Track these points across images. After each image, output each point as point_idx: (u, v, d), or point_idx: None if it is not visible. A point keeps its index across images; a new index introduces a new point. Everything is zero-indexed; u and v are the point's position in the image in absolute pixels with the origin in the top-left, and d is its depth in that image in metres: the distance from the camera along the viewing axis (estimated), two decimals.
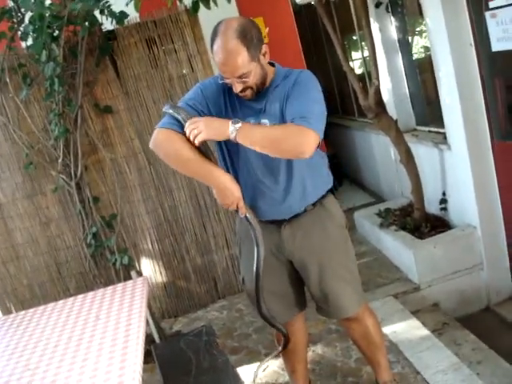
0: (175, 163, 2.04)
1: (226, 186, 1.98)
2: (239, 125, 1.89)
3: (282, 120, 2.00)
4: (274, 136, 1.91)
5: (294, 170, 2.11)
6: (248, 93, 2.02)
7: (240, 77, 1.95)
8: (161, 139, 2.00)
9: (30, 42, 3.41)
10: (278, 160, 2.06)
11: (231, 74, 1.95)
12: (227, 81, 1.99)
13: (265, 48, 2.01)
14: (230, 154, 2.16)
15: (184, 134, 1.94)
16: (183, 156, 1.95)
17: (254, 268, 2.10)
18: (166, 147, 2.00)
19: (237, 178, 2.09)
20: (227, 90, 2.09)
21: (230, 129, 1.88)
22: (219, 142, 2.13)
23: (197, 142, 1.91)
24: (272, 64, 2.13)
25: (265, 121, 2.04)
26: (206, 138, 1.91)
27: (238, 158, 2.14)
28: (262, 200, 2.15)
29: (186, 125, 1.92)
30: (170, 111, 1.98)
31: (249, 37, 1.92)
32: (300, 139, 1.87)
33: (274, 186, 2.13)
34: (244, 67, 1.93)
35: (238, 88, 1.99)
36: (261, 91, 2.05)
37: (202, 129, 1.90)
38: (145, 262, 4.15)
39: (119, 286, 2.65)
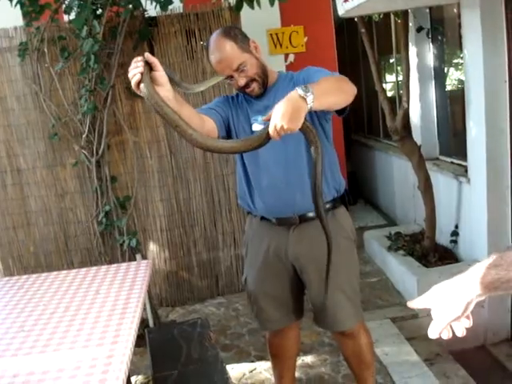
0: None
1: None
2: (309, 90, 1.60)
3: None
4: (333, 85, 1.82)
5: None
6: (255, 86, 2.09)
7: (238, 69, 2.03)
8: None
9: (72, 16, 3.46)
10: (300, 156, 2.11)
11: (229, 67, 2.02)
12: (231, 80, 2.07)
13: (253, 43, 2.10)
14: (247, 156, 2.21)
15: None
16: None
17: None
18: None
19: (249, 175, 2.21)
20: (235, 98, 2.22)
21: (308, 100, 1.60)
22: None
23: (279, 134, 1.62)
24: None
25: None
26: (291, 129, 1.60)
27: (256, 157, 2.16)
28: (274, 193, 2.17)
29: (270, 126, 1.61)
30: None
31: (232, 34, 2.05)
32: (347, 84, 1.89)
33: (287, 179, 2.15)
34: (238, 57, 2.02)
35: (242, 82, 2.06)
36: (267, 87, 2.13)
37: (283, 121, 1.58)
38: (151, 248, 4.18)
39: (123, 265, 2.66)
